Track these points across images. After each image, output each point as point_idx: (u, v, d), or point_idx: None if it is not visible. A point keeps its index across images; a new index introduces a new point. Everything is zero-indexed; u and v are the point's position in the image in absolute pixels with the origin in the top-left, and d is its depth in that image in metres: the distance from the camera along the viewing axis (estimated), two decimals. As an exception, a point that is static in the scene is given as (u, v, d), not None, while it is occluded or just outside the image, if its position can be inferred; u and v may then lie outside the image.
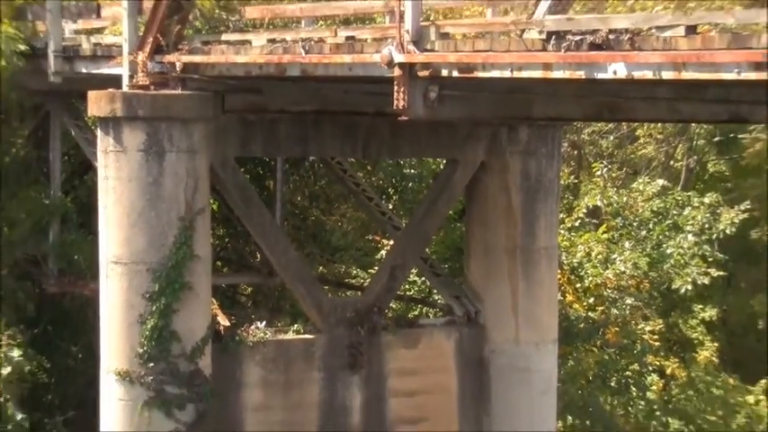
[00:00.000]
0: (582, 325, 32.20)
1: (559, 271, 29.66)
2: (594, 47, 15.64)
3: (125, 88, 23.50)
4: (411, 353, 26.35)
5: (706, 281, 34.81)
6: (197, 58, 23.13)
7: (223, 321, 25.32)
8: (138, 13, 23.79)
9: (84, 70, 27.14)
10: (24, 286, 30.57)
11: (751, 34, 14.87)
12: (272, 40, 22.84)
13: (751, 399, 33.71)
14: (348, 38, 21.08)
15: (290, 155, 30.29)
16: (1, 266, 29.99)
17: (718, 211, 35.90)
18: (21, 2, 30.89)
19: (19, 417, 26.82)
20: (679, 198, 36.37)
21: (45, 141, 31.05)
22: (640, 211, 35.61)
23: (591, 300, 33.08)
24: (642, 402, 32.88)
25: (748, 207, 38.86)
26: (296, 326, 27.18)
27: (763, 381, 36.03)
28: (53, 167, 30.89)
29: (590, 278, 33.13)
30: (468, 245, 28.19)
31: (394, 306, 28.32)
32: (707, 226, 35.09)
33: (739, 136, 45.20)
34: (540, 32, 16.91)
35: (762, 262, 45.07)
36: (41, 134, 31.16)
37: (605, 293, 33.27)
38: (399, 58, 17.56)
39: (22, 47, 28.65)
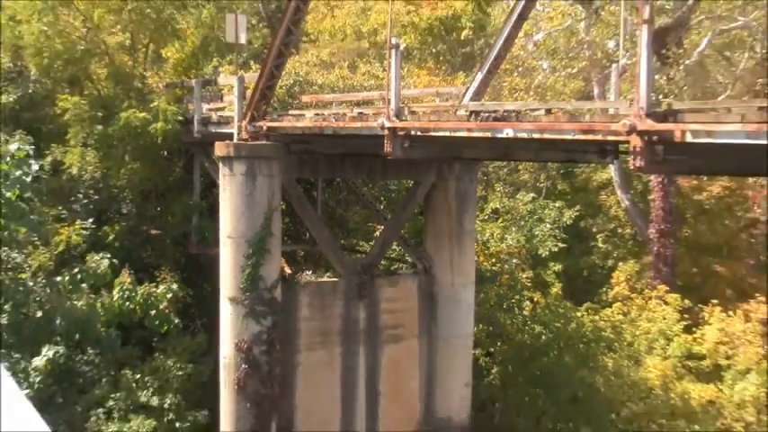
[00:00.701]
0: (488, 274, 32.42)
1: (476, 244, 29.80)
2: (496, 119, 15.93)
3: (235, 140, 23.81)
4: (393, 290, 26.62)
5: (556, 249, 35.07)
6: (275, 124, 23.52)
7: (287, 270, 25.63)
8: (243, 99, 24.05)
9: (213, 130, 27.38)
10: (179, 249, 30.83)
11: (580, 114, 15.22)
12: (317, 114, 23.38)
13: (579, 314, 33.99)
14: (359, 113, 21.54)
15: (326, 177, 30.59)
16: (166, 238, 30.31)
17: (563, 211, 35.96)
18: (179, 93, 31.19)
19: (176, 321, 27.15)
20: (542, 204, 36.52)
21: (191, 170, 31.23)
22: (521, 210, 35.73)
23: (493, 260, 33.26)
24: (520, 316, 33.04)
25: (578, 209, 39.33)
26: (327, 274, 27.59)
27: (586, 304, 36.34)
28: (195, 184, 31.14)
29: (492, 248, 33.35)
30: (425, 229, 28.45)
31: (384, 263, 28.43)
32: (557, 219, 35.17)
33: (574, 170, 45.49)
34: (466, 111, 17.21)
35: (586, 239, 45.98)
36: (188, 166, 31.23)
37: (502, 257, 33.44)
38: (388, 124, 17.96)
39: (180, 117, 28.85)
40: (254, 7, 40.87)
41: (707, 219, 43.79)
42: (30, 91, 31.79)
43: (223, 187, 23.73)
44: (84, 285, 25.39)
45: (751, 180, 38.89)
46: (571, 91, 38.52)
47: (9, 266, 25.98)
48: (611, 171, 40.88)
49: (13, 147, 21.00)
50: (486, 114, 16.51)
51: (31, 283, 24.68)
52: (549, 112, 15.61)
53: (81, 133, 29.41)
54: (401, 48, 19.06)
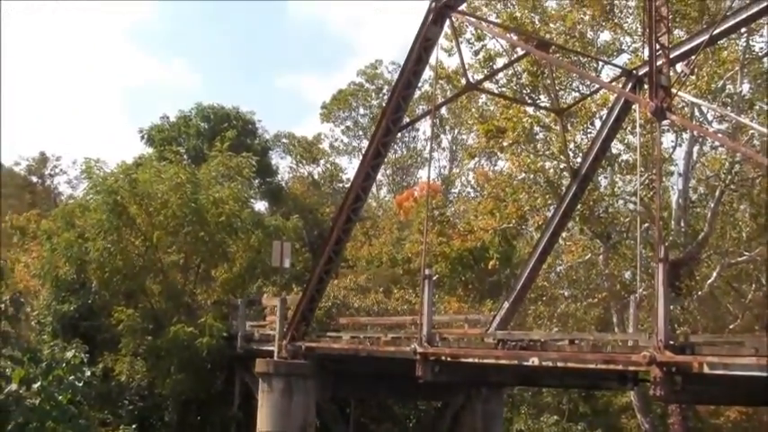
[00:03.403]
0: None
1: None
2: (522, 348, 15.84)
3: (275, 358, 23.75)
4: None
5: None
6: (313, 344, 23.49)
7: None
8: (284, 319, 24.16)
9: (254, 347, 27.38)
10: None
11: (602, 345, 15.13)
12: (353, 337, 23.32)
13: None
14: (393, 337, 21.45)
15: (359, 397, 30.12)
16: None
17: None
18: (225, 311, 31.48)
19: None
20: (565, 426, 35.53)
21: (231, 382, 30.88)
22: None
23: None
24: None
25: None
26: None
27: None
28: (234, 396, 30.74)
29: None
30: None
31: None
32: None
33: (596, 393, 44.54)
34: (494, 339, 17.15)
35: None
36: (229, 378, 30.97)
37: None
38: (420, 350, 17.86)
39: (224, 333, 28.98)
40: (298, 233, 41.61)
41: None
42: (89, 301, 32.25)
43: (261, 402, 23.52)
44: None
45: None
46: (592, 318, 38.39)
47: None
48: (631, 395, 40.08)
49: (69, 354, 21.18)
50: (513, 343, 16.48)
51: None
52: (572, 342, 15.59)
53: (132, 343, 29.67)
54: (434, 278, 19.23)
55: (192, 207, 31.86)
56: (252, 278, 34.51)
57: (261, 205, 53.98)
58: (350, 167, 68.60)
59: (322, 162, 72.07)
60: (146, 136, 54.13)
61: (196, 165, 37.94)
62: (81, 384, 21.00)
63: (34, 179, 72.81)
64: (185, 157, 44.86)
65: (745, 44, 30.75)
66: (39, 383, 18.84)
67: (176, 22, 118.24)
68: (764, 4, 16.10)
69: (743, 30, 26.22)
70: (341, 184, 66.06)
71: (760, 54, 31.23)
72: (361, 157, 25.03)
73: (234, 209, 33.08)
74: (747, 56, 30.86)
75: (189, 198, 31.93)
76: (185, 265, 33.80)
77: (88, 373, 21.73)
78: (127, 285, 31.71)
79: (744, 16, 16.67)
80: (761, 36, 30.66)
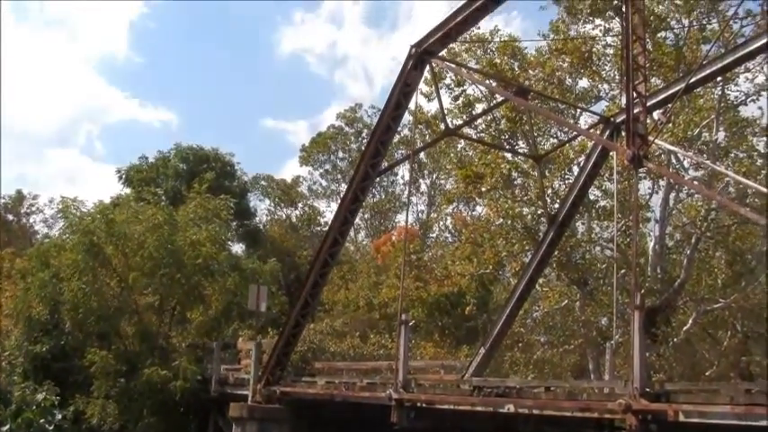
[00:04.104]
0: None
1: None
2: (498, 395, 15.78)
3: (249, 402, 23.53)
4: None
5: None
6: (288, 389, 23.33)
7: None
8: (259, 364, 24.00)
9: (229, 391, 27.15)
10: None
11: (578, 392, 15.07)
12: (328, 381, 23.12)
13: None
14: (368, 383, 21.27)
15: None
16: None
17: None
18: (200, 354, 31.25)
19: None
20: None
21: (205, 426, 30.61)
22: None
23: None
24: None
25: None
26: None
27: None
28: (209, 438, 30.36)
29: None
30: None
31: None
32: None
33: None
34: (470, 386, 17.05)
35: None
36: (203, 422, 30.62)
37: None
38: (395, 396, 17.75)
39: (198, 377, 28.75)
40: (275, 276, 41.44)
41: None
42: (62, 342, 31.99)
43: (236, 446, 23.29)
44: None
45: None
46: (568, 365, 38.23)
47: None
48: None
49: (40, 396, 20.98)
50: (489, 390, 16.39)
51: None
52: (548, 389, 15.53)
53: (104, 385, 29.53)
54: (410, 323, 19.14)
55: (169, 249, 31.76)
56: (227, 321, 34.37)
57: (238, 247, 53.94)
58: (328, 211, 68.67)
59: (300, 205, 72.14)
60: (124, 176, 54.05)
61: (174, 206, 37.86)
62: (51, 428, 20.80)
63: (10, 217, 72.36)
64: (163, 198, 44.84)
65: (720, 93, 31.08)
66: (8, 426, 18.63)
67: (156, 59, 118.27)
68: (738, 54, 16.37)
69: (718, 78, 26.50)
70: (319, 228, 66.04)
71: (735, 103, 31.54)
72: (339, 201, 25.02)
73: (211, 251, 32.99)
74: (723, 104, 31.16)
75: (166, 239, 31.83)
76: (161, 306, 33.58)
77: (59, 416, 21.55)
78: (101, 327, 31.48)
79: (719, 66, 16.91)
80: (736, 85, 30.97)
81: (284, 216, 71.51)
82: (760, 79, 30.72)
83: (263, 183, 70.69)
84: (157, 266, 31.67)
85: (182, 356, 29.93)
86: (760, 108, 31.06)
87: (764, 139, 31.58)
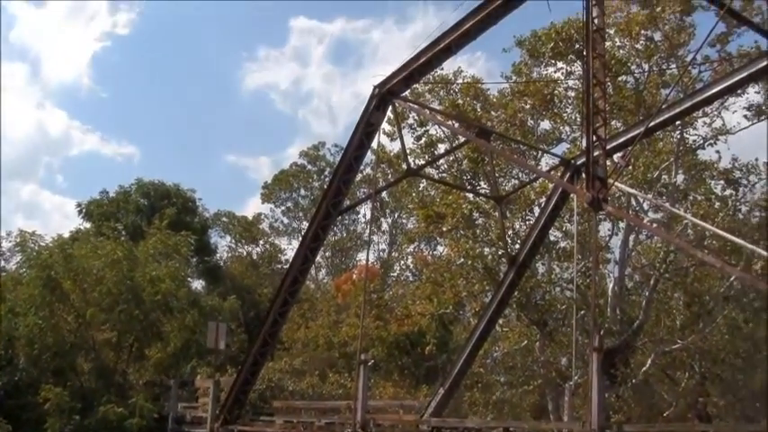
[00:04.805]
0: None
1: None
2: (456, 435, 15.76)
3: (207, 440, 23.35)
4: None
5: None
6: (246, 428, 23.12)
7: None
8: (216, 402, 23.79)
9: (186, 429, 26.97)
10: None
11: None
12: (286, 421, 22.97)
13: None
14: (327, 422, 21.15)
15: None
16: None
17: None
18: (157, 391, 30.85)
19: None
20: None
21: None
22: None
23: None
24: None
25: None
26: None
27: None
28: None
29: None
30: None
31: None
32: None
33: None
34: (428, 427, 17.01)
35: None
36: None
37: None
38: (354, 435, 17.65)
39: (155, 415, 28.44)
40: (234, 313, 41.17)
41: None
42: (16, 378, 31.43)
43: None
44: None
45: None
46: (528, 406, 38.22)
47: None
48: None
49: (-10, 436, 20.67)
50: (448, 430, 16.35)
51: None
52: (507, 430, 15.51)
53: (58, 423, 28.84)
54: (369, 363, 19.07)
55: (128, 284, 31.55)
56: (186, 358, 34.03)
57: (198, 284, 53.63)
58: (289, 248, 68.46)
59: (261, 242, 71.86)
60: (84, 210, 53.61)
61: (134, 241, 37.64)
62: (3, 466, 20.45)
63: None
64: (123, 233, 44.50)
65: (679, 136, 31.55)
66: (-42, 464, 18.32)
67: (119, 92, 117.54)
68: (696, 99, 16.65)
69: (678, 122, 26.89)
70: (280, 266, 65.76)
71: (693, 146, 32.05)
72: (300, 239, 24.97)
73: (170, 287, 32.79)
74: (682, 148, 31.63)
75: (125, 275, 31.62)
76: (118, 343, 33.23)
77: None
78: (56, 362, 31.06)
79: (678, 110, 17.19)
80: (694, 129, 31.48)
81: (245, 253, 71.20)
82: (717, 124, 31.34)
83: (224, 219, 70.51)
84: (116, 302, 31.42)
85: (139, 394, 29.57)
86: (717, 152, 31.64)
87: (722, 182, 32.08)
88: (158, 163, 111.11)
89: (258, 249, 71.73)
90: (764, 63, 15.40)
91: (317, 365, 42.49)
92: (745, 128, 31.20)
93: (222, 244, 69.88)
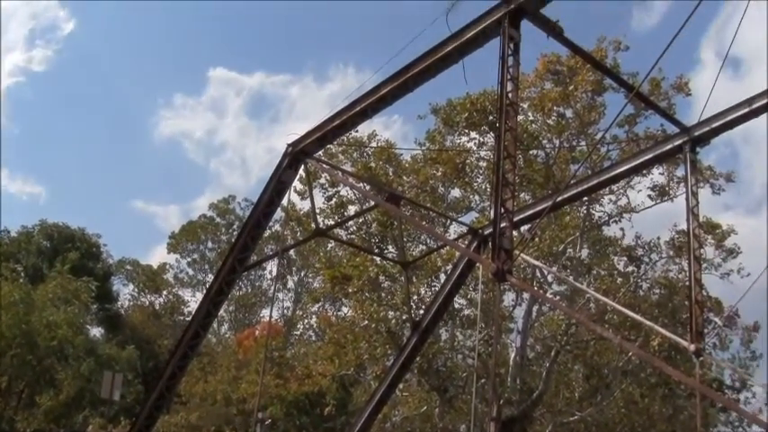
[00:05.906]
0: None
1: None
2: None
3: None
4: None
5: None
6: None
7: None
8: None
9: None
10: None
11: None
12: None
13: None
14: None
15: None
16: None
17: None
18: None
19: None
20: None
21: None
22: None
23: None
24: None
25: None
26: None
27: None
28: None
29: None
30: None
31: None
32: None
33: None
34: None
35: None
36: None
37: None
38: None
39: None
40: (132, 363, 40.28)
41: None
42: None
43: None
44: None
45: None
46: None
47: None
48: None
49: None
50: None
51: None
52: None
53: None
54: (267, 422, 18.78)
55: (23, 329, 30.66)
56: (78, 408, 33.20)
57: (97, 331, 52.45)
58: (193, 300, 67.51)
59: (165, 293, 70.75)
60: (-18, 250, 52.13)
61: (33, 284, 36.71)
62: None
63: None
64: (23, 274, 43.33)
65: (585, 212, 32.28)
66: None
67: (29, 130, 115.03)
68: (604, 177, 17.04)
69: (584, 198, 27.47)
70: (182, 317, 64.82)
71: (599, 222, 32.81)
72: (204, 291, 24.61)
73: (67, 334, 32.02)
74: (587, 223, 32.35)
75: (20, 319, 30.75)
76: (8, 389, 32.22)
77: None
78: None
79: (586, 186, 17.54)
80: (600, 205, 32.28)
81: (147, 302, 70.03)
82: (623, 202, 32.20)
83: (128, 267, 69.39)
84: (8, 346, 30.46)
85: (25, 444, 28.64)
86: (622, 229, 32.47)
87: (624, 258, 32.85)
88: (65, 204, 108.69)
89: (161, 299, 70.64)
90: (669, 146, 15.84)
91: (213, 421, 41.69)
92: (648, 207, 32.19)
93: (125, 292, 68.84)
